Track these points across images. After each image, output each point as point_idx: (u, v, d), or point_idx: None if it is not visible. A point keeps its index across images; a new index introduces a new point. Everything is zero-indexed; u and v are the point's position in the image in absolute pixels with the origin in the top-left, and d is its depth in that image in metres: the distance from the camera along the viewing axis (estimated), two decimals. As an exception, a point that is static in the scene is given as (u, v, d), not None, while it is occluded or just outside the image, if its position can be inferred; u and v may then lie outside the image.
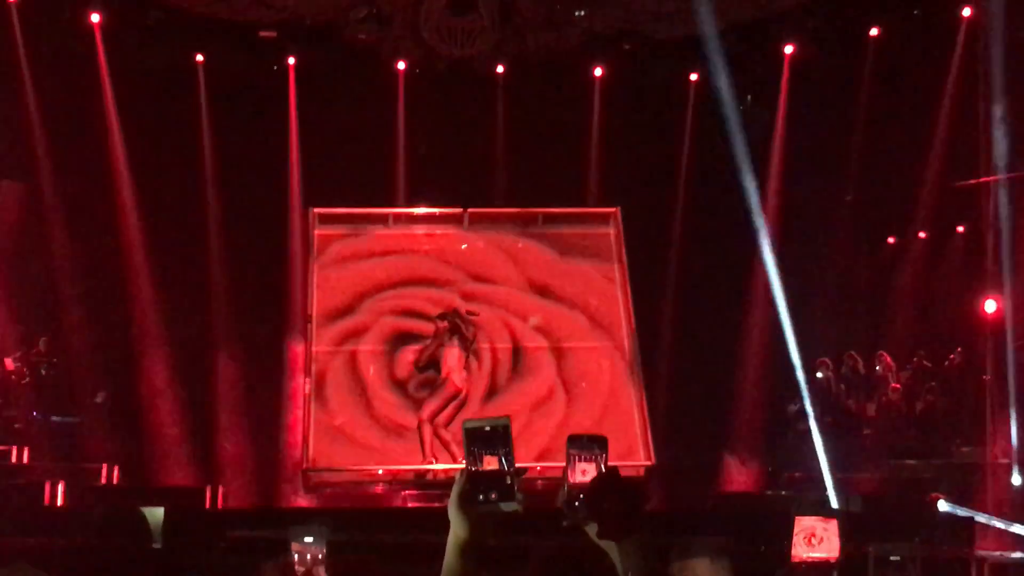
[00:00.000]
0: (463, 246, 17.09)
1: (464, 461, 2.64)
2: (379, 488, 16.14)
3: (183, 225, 17.60)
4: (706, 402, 17.11)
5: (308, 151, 17.87)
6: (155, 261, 17.22)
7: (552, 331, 16.68)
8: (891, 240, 18.36)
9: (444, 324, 15.96)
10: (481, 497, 2.60)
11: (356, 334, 16.39)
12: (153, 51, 17.57)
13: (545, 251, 17.24)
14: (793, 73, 17.71)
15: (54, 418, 16.41)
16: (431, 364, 16.06)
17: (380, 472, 15.91)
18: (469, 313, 16.23)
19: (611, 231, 17.09)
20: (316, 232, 16.91)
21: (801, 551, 11.89)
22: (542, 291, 16.97)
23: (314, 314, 16.29)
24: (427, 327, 16.27)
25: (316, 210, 16.99)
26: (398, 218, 17.37)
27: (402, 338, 16.46)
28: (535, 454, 15.23)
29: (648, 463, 15.67)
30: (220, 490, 15.42)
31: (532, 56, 18.00)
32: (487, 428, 2.66)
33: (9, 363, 16.50)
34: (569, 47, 18.05)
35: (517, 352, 16.51)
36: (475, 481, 2.61)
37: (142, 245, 17.28)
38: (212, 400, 16.90)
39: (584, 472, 2.84)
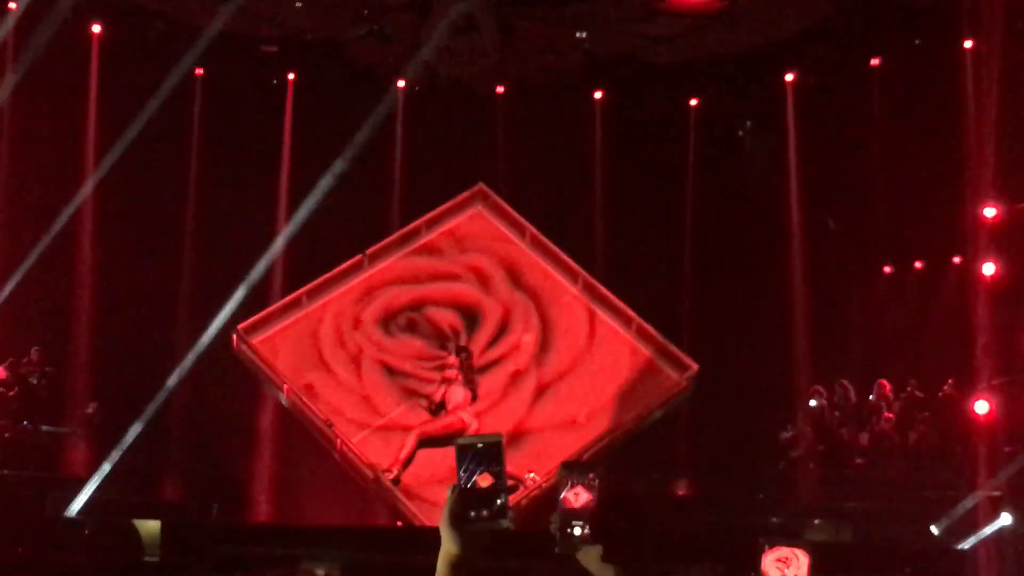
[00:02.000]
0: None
1: (457, 478, 2.61)
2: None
3: (177, 236, 17.64)
4: (697, 426, 17.07)
5: (304, 166, 17.76)
6: (149, 274, 17.16)
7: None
8: (887, 269, 18.38)
9: (458, 360, 15.97)
10: (472, 515, 2.58)
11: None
12: (153, 63, 17.31)
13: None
14: (794, 101, 17.77)
15: (44, 428, 16.31)
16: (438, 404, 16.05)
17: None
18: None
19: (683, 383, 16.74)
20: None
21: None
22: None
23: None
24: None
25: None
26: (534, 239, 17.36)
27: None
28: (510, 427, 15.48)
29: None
30: (215, 506, 15.24)
31: (532, 78, 18.08)
32: (479, 445, 2.64)
33: (1, 371, 16.44)
34: (569, 70, 18.12)
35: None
36: (466, 499, 2.59)
37: (136, 257, 17.24)
38: (207, 415, 16.76)
39: (577, 496, 2.87)
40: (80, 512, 14.20)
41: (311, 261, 17.38)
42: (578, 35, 17.78)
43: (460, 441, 2.65)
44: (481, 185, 17.56)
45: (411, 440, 15.60)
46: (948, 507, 14.94)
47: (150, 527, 12.91)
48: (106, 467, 14.99)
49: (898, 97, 17.34)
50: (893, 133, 17.29)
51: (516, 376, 16.49)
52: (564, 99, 18.33)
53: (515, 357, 16.63)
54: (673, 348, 16.55)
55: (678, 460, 16.83)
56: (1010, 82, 14.74)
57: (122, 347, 16.67)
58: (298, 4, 17.32)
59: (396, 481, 15.39)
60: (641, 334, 16.66)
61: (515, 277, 17.23)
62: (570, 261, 17.17)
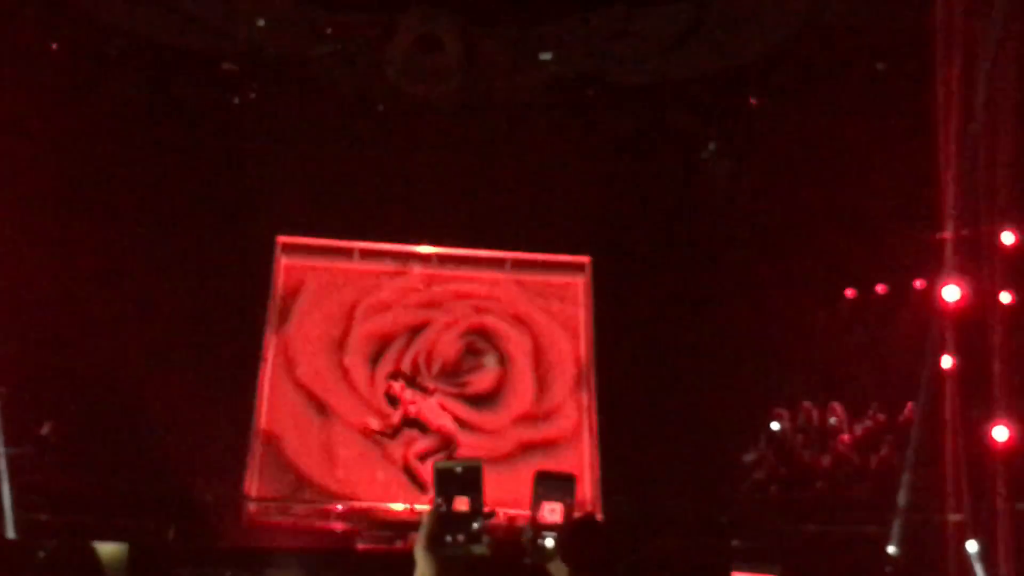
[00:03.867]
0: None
1: (434, 501, 2.65)
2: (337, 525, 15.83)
3: (136, 255, 17.32)
4: (664, 448, 16.94)
5: (267, 185, 17.69)
6: (108, 291, 16.91)
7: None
8: (849, 292, 18.31)
9: (399, 383, 15.93)
10: (449, 539, 2.61)
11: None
12: (113, 80, 17.49)
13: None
14: (757, 123, 17.76)
15: (-2, 449, 15.97)
16: (413, 424, 16.16)
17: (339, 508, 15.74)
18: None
19: (581, 280, 16.88)
20: (283, 262, 16.79)
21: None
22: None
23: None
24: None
25: (281, 239, 16.85)
26: (365, 253, 17.18)
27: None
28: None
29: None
30: (171, 529, 15.13)
31: (497, 96, 18.01)
32: (458, 470, 2.68)
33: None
34: (534, 89, 18.06)
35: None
36: (443, 522, 2.62)
37: (96, 273, 16.98)
38: (165, 434, 16.48)
39: (552, 511, 2.96)
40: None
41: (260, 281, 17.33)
42: (542, 56, 17.69)
43: (438, 465, 2.74)
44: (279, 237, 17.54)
45: (417, 467, 15.76)
46: (908, 532, 15.16)
47: (114, 550, 12.75)
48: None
49: (862, 120, 17.16)
50: (856, 156, 17.17)
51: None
52: (528, 119, 18.29)
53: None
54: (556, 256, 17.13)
55: (635, 481, 16.67)
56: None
57: (77, 365, 16.43)
58: (260, 23, 17.16)
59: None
60: (518, 265, 17.37)
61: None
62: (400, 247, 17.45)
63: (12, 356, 16.26)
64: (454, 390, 16.89)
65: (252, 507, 15.71)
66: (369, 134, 18.06)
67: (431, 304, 17.48)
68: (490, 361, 16.88)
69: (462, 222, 18.02)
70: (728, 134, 18.42)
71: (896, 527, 15.43)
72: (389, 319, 17.20)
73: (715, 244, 17.30)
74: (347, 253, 17.52)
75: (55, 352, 16.48)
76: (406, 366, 16.67)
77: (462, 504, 2.63)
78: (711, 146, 18.42)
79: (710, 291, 16.82)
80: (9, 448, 15.82)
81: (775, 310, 17.14)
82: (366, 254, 17.58)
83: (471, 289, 17.68)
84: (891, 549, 15.20)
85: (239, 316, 17.36)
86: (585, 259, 17.36)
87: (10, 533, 14.34)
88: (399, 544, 15.30)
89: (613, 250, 18.00)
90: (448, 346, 17.32)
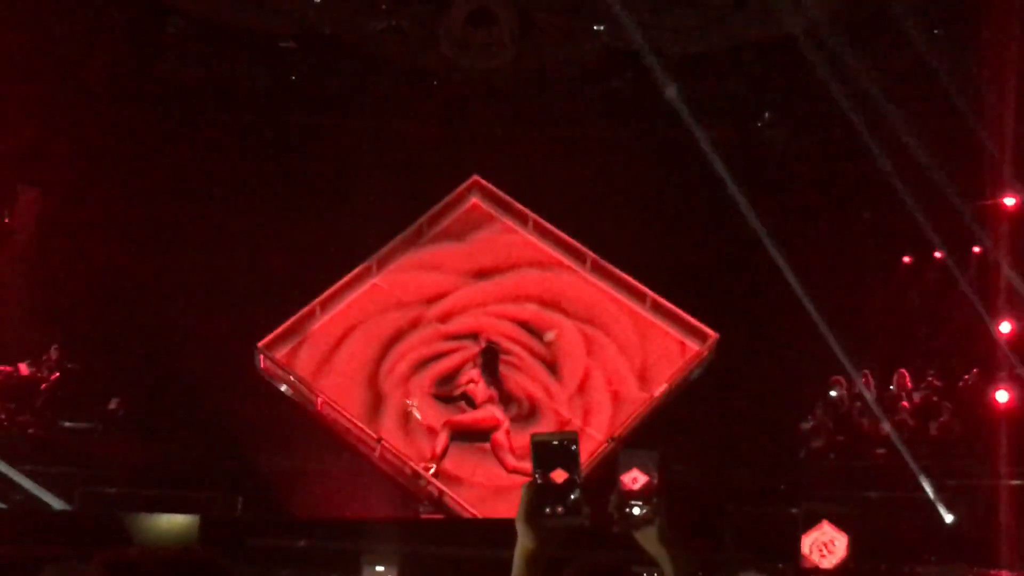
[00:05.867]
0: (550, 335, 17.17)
1: (532, 474, 2.69)
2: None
3: (198, 233, 17.54)
4: (716, 417, 17.08)
5: (325, 163, 17.83)
6: (177, 268, 17.21)
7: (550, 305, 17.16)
8: (906, 259, 18.26)
9: (481, 359, 16.24)
10: (548, 511, 2.65)
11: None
12: (171, 59, 17.75)
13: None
14: (812, 90, 17.47)
15: (66, 424, 16.35)
16: (463, 398, 16.32)
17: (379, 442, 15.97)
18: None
19: (704, 351, 17.12)
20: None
21: (815, 558, 12.04)
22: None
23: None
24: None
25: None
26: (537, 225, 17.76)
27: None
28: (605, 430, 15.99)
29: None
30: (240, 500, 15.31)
31: (551, 70, 18.03)
32: (555, 442, 2.71)
33: (23, 368, 16.50)
34: (588, 61, 18.07)
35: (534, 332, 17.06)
36: (542, 494, 2.66)
37: (159, 253, 17.24)
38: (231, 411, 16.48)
39: (635, 480, 2.85)
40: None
41: (324, 258, 17.44)
42: (596, 28, 17.68)
43: (535, 437, 2.73)
44: (476, 177, 17.84)
45: (443, 434, 15.84)
46: (969, 496, 15.36)
47: (185, 522, 13.45)
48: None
49: (918, 86, 17.13)
50: (914, 121, 16.86)
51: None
52: (583, 91, 18.27)
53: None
54: (690, 319, 17.10)
55: (697, 450, 16.70)
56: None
57: (143, 343, 16.66)
58: (315, 0, 17.32)
59: (436, 474, 15.75)
60: (657, 309, 17.20)
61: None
62: (576, 243, 17.50)
63: (82, 333, 16.78)
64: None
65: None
66: (425, 108, 18.10)
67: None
68: (549, 336, 16.98)
69: (521, 196, 18.06)
70: (782, 102, 18.34)
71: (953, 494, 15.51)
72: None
73: (770, 213, 17.06)
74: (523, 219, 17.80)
75: (124, 328, 16.73)
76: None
77: (559, 476, 2.66)
78: (766, 114, 18.41)
79: (765, 260, 16.59)
80: (79, 423, 16.25)
81: (833, 277, 17.08)
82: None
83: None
84: (948, 517, 15.30)
85: (304, 293, 17.38)
86: (713, 335, 17.28)
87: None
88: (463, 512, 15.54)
89: (668, 219, 17.90)
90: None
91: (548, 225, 17.65)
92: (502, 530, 2.80)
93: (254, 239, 17.28)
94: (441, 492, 15.65)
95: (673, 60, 17.57)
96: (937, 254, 17.45)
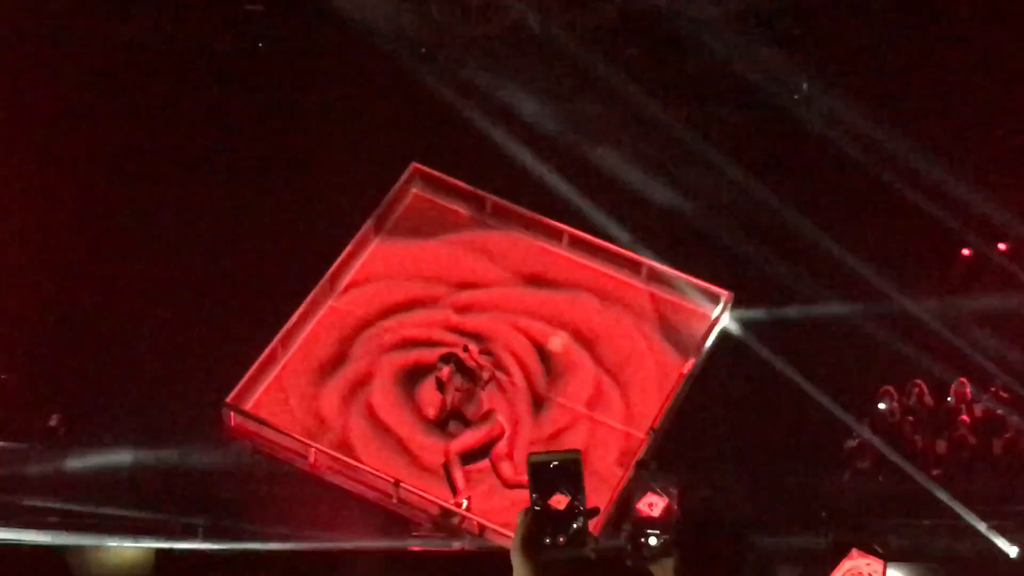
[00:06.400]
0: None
1: (529, 499, 2.58)
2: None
3: (156, 222, 16.60)
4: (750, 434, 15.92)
5: (293, 132, 17.09)
6: (133, 265, 16.15)
7: (569, 321, 15.82)
8: (966, 252, 17.25)
9: (448, 368, 14.67)
10: (548, 541, 2.55)
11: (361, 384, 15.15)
12: (128, 22, 17.27)
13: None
14: (856, 56, 17.17)
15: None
16: (454, 416, 14.84)
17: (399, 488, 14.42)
18: (480, 351, 15.21)
19: (712, 314, 15.74)
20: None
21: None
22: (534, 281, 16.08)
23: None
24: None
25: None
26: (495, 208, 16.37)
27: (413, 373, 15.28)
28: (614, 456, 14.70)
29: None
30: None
31: (556, 35, 17.33)
32: (555, 463, 2.62)
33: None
34: (599, 26, 17.44)
35: (543, 354, 15.56)
36: (541, 522, 2.55)
37: (112, 249, 16.28)
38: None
39: (652, 506, 3.13)
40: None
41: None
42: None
43: (532, 458, 2.64)
44: (414, 164, 16.33)
45: (456, 463, 14.43)
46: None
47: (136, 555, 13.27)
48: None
49: (972, 63, 16.80)
50: (969, 100, 16.75)
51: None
52: (594, 57, 17.33)
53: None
54: (696, 280, 15.74)
55: (723, 473, 15.45)
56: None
57: (86, 353, 15.69)
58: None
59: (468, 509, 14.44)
60: (654, 277, 15.88)
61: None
62: (547, 220, 16.10)
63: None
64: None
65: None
66: (409, 76, 17.17)
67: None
68: (555, 344, 15.61)
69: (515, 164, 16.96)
70: (819, 65, 17.58)
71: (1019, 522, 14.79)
72: None
73: (809, 194, 16.53)
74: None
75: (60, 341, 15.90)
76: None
77: (560, 502, 2.55)
78: (804, 85, 17.63)
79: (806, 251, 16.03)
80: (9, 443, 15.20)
81: (881, 272, 16.19)
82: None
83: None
84: (1012, 550, 14.43)
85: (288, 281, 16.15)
86: (727, 294, 15.90)
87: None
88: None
89: (706, 196, 16.95)
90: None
91: (510, 205, 16.22)
92: (494, 564, 2.74)
93: (217, 227, 16.41)
94: (482, 527, 14.20)
95: (701, 22, 17.11)
96: (1001, 245, 16.75)
